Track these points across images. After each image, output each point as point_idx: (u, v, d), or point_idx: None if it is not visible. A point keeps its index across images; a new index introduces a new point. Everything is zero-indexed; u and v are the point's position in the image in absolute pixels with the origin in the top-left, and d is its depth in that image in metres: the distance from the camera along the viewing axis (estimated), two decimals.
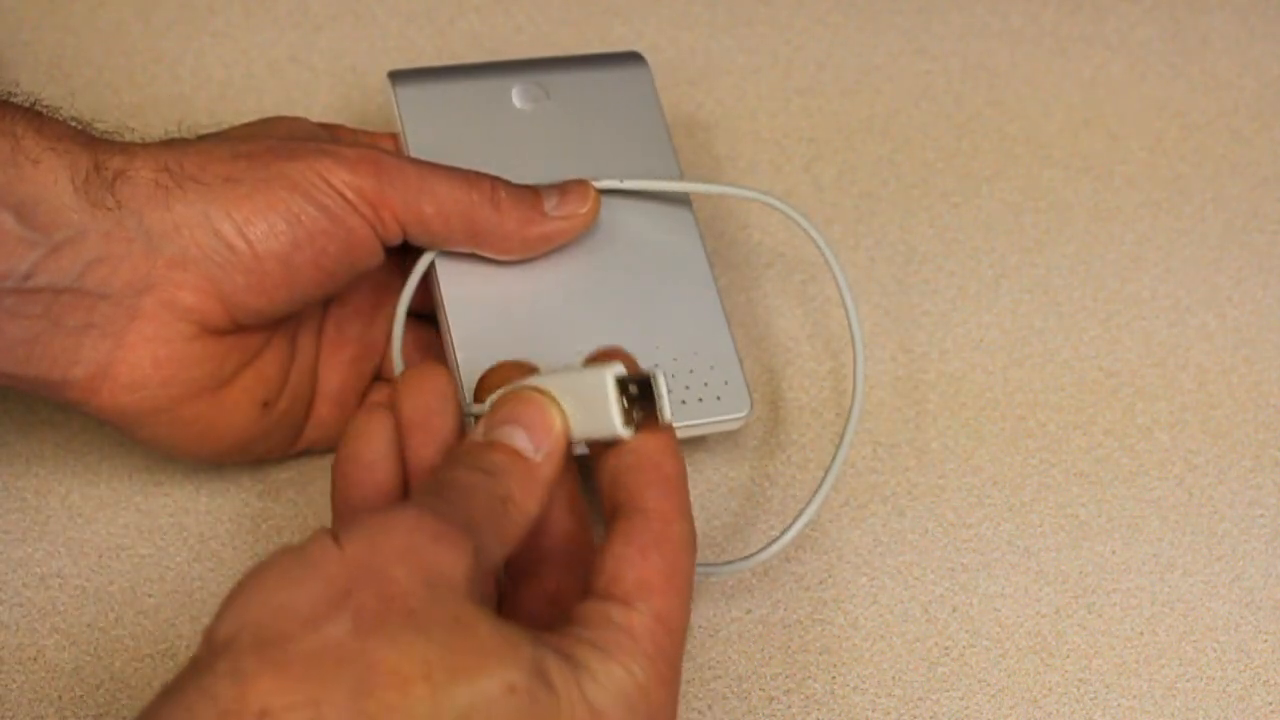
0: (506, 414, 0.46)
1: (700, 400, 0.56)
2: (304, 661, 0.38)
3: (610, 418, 0.45)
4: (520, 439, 0.45)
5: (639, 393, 0.45)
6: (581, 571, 0.47)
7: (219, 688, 0.38)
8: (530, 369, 0.49)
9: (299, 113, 0.66)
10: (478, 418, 0.48)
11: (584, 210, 0.56)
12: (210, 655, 0.39)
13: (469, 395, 0.52)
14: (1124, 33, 0.74)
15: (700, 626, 0.56)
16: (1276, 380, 0.64)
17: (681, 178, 0.60)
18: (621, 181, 0.58)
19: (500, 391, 0.48)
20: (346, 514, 0.47)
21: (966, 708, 0.55)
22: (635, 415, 0.46)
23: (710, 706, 0.54)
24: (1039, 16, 0.74)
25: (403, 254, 0.56)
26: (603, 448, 0.47)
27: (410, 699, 0.38)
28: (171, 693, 0.39)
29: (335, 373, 0.57)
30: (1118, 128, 0.71)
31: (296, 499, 0.58)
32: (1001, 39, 0.73)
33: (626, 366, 0.46)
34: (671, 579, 0.44)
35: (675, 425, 0.54)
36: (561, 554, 0.48)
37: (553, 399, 0.46)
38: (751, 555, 0.55)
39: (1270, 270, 0.67)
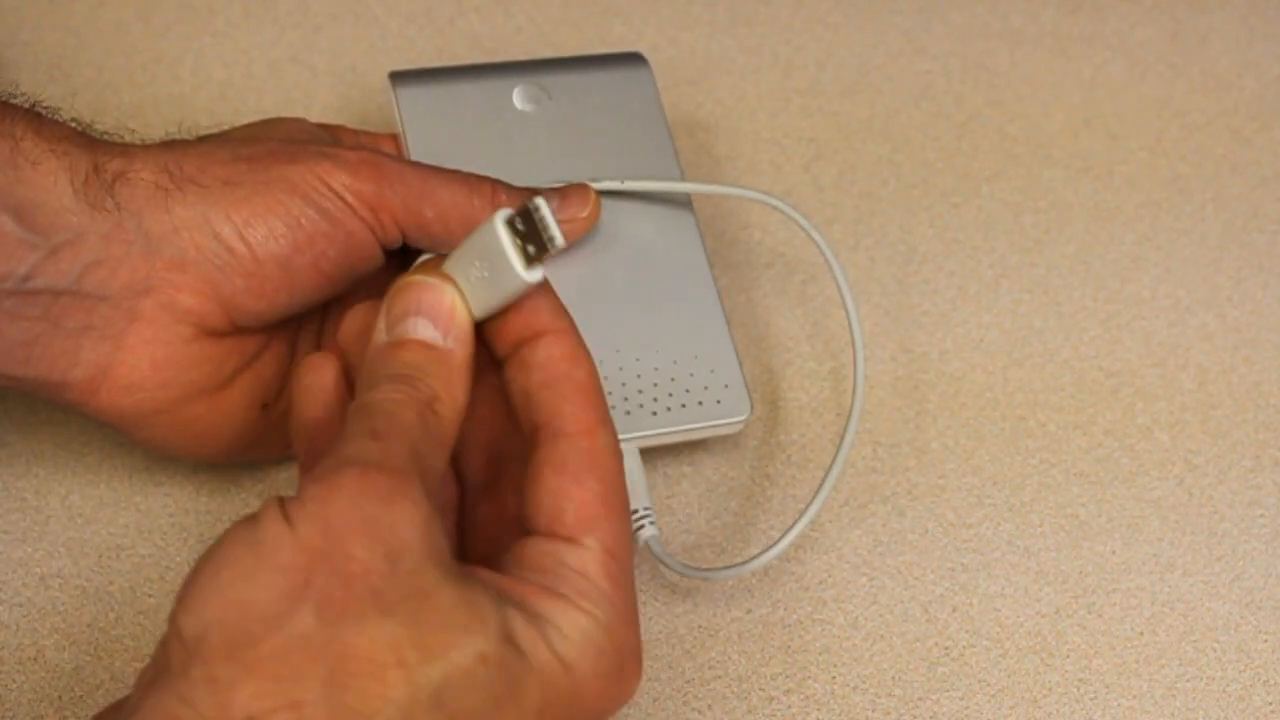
0: (403, 306, 0.45)
1: (700, 403, 0.56)
2: (276, 661, 0.38)
3: (511, 266, 0.43)
4: (425, 329, 0.44)
5: (527, 229, 0.43)
6: None
7: (197, 696, 0.38)
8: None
9: (299, 113, 0.67)
10: None
11: (584, 215, 0.56)
12: (182, 656, 0.39)
13: None
14: (1124, 33, 0.74)
15: (700, 627, 0.56)
16: (1276, 380, 0.64)
17: (683, 178, 0.60)
18: (622, 183, 0.58)
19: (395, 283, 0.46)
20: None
21: (966, 708, 0.55)
22: (533, 254, 0.44)
23: (710, 706, 0.55)
24: (1039, 16, 0.74)
25: (403, 255, 0.56)
26: (512, 361, 0.45)
27: (386, 685, 0.38)
28: (149, 697, 0.39)
29: None
30: (1118, 128, 0.71)
31: None
32: (1001, 39, 0.73)
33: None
34: (609, 502, 0.43)
35: (676, 429, 0.55)
36: (517, 470, 0.46)
37: (443, 277, 0.45)
38: (752, 559, 0.55)
39: (1270, 270, 0.67)
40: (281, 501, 0.40)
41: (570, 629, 0.42)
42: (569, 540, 0.43)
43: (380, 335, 0.45)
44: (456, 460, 0.48)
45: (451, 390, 0.44)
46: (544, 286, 0.45)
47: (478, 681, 0.39)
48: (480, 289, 0.44)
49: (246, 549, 0.39)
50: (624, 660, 0.43)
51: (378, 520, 0.40)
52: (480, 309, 0.45)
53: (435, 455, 0.43)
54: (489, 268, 0.44)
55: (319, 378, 0.46)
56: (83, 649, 0.54)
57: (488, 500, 0.48)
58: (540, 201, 0.43)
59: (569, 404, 0.44)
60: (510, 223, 0.44)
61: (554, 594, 0.42)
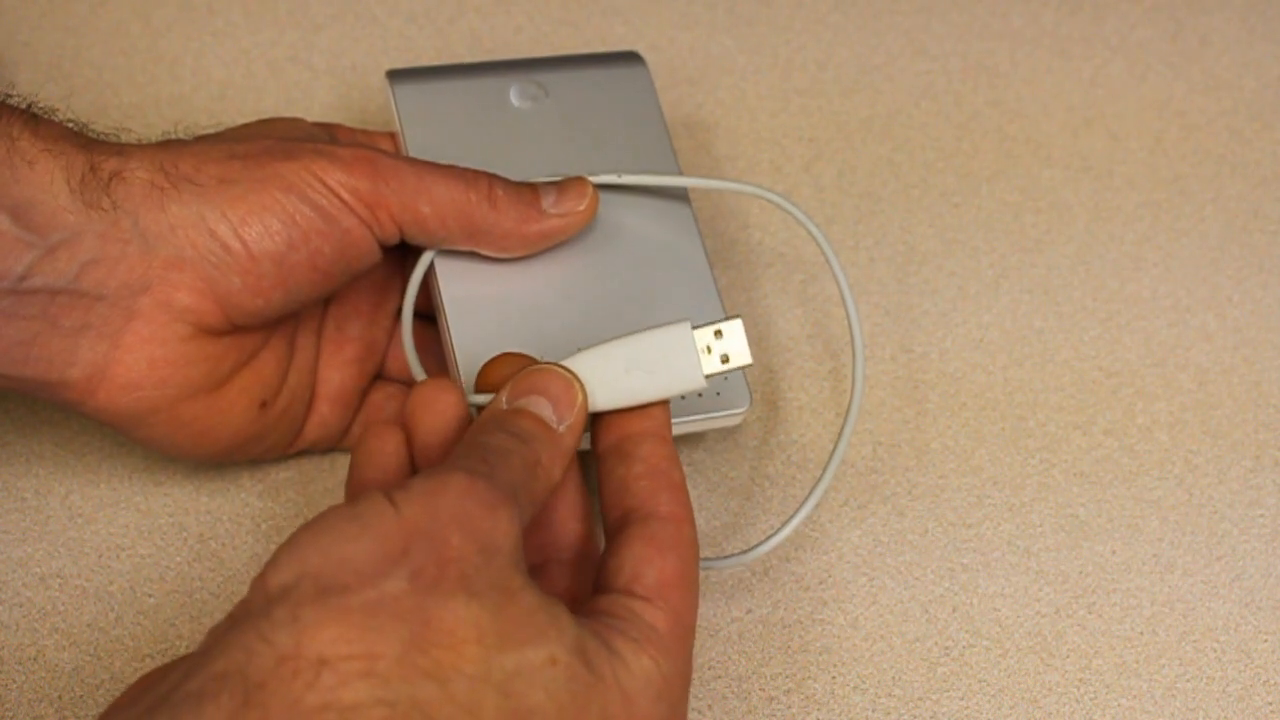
0: (531, 385, 0.48)
1: (700, 395, 0.56)
2: (362, 613, 0.39)
3: (700, 368, 0.49)
4: (545, 409, 0.47)
5: (718, 342, 0.50)
6: (589, 573, 0.49)
7: (278, 634, 0.39)
8: (530, 362, 0.50)
9: (298, 113, 0.67)
10: (480, 409, 0.49)
11: (582, 207, 0.56)
12: (266, 602, 0.40)
13: (470, 394, 0.52)
14: (1124, 33, 0.74)
15: (700, 626, 0.56)
16: (1276, 380, 0.64)
17: (679, 175, 0.60)
18: (619, 176, 0.58)
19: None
20: None
21: (966, 708, 0.55)
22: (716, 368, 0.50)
23: (710, 706, 0.54)
24: (1039, 16, 0.74)
25: (402, 252, 0.56)
26: (613, 453, 0.49)
27: (461, 658, 0.40)
28: (225, 635, 0.40)
29: (335, 372, 0.57)
30: (1118, 128, 0.71)
31: (296, 499, 0.58)
32: (1001, 39, 0.73)
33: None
34: (685, 578, 0.46)
35: (676, 421, 0.55)
36: (570, 555, 0.49)
37: (574, 375, 0.48)
38: (751, 549, 0.55)
39: (1270, 270, 0.67)
40: (386, 490, 0.42)
41: (636, 667, 0.43)
42: (645, 599, 0.45)
43: (500, 403, 0.47)
44: None
45: (553, 466, 0.46)
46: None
47: (546, 682, 0.41)
48: (630, 382, 0.49)
49: (348, 519, 0.41)
50: (674, 715, 0.44)
51: (477, 520, 0.42)
52: (610, 400, 0.49)
53: (525, 508, 0.45)
54: (659, 365, 0.49)
55: (382, 444, 0.48)
56: (83, 649, 0.54)
57: (539, 583, 0.49)
58: (740, 322, 0.50)
59: (665, 494, 0.48)
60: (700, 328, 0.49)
61: (626, 635, 0.44)
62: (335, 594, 0.40)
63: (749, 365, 0.50)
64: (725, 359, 0.50)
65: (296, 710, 0.38)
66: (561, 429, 0.47)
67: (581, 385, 0.48)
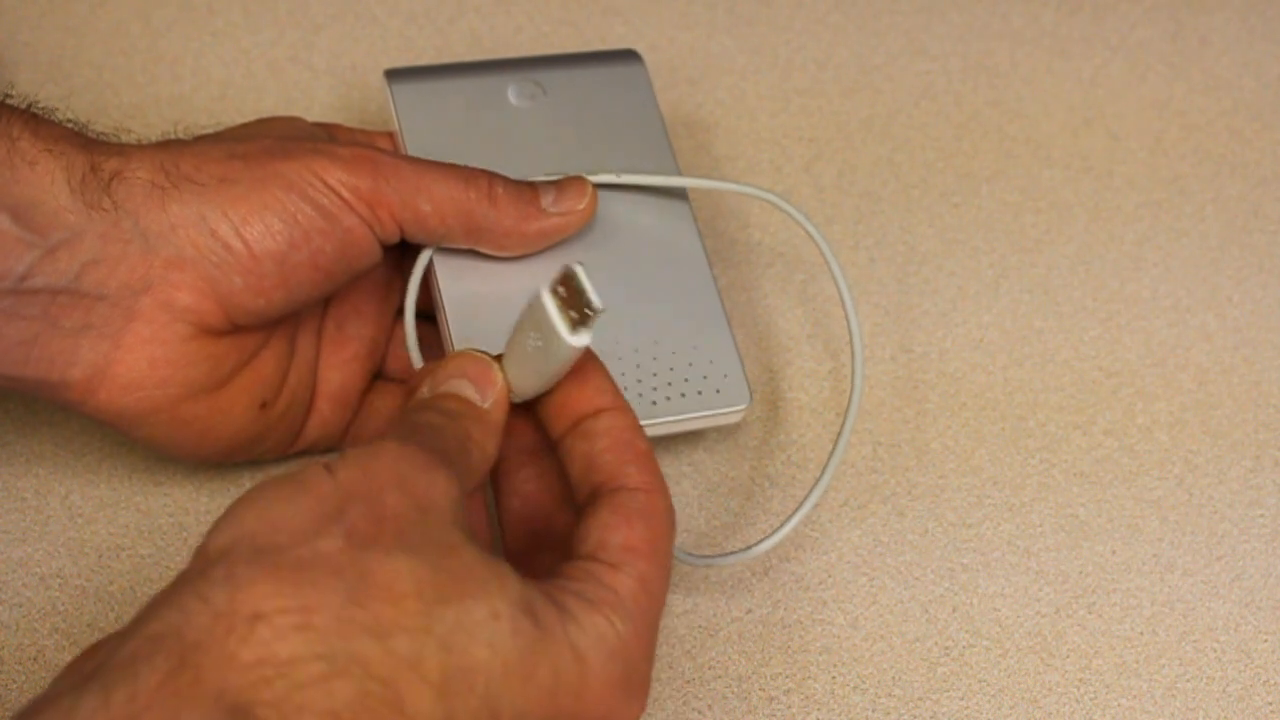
0: (450, 371, 0.47)
1: (700, 393, 0.56)
2: (297, 569, 0.39)
3: (557, 332, 0.45)
4: (467, 389, 0.47)
5: (569, 295, 0.45)
6: None
7: (213, 592, 0.39)
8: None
9: (298, 113, 0.67)
10: None
11: (581, 206, 0.56)
12: (204, 565, 0.40)
13: None
14: (1124, 33, 0.74)
15: (700, 626, 0.56)
16: (1276, 380, 0.64)
17: (678, 173, 0.60)
18: (618, 176, 0.58)
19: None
20: None
21: (966, 708, 0.55)
22: (577, 319, 0.45)
23: (710, 706, 0.55)
24: (1039, 16, 0.74)
25: (402, 251, 0.56)
26: (574, 432, 0.48)
27: (401, 613, 0.40)
28: (164, 598, 0.40)
29: (336, 372, 0.57)
30: (1118, 128, 0.71)
31: None
32: (1001, 39, 0.73)
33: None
34: (654, 545, 0.45)
35: (676, 418, 0.55)
36: (560, 543, 0.49)
37: (487, 355, 0.48)
38: (750, 547, 0.55)
39: (1270, 270, 0.67)
40: (324, 462, 0.42)
41: (588, 625, 0.43)
42: (608, 564, 0.45)
43: (424, 392, 0.47)
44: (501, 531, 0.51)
45: (485, 440, 0.46)
46: (602, 369, 0.48)
47: (489, 636, 0.40)
48: (536, 359, 0.47)
49: (286, 483, 0.41)
50: (632, 675, 0.44)
51: (414, 480, 0.42)
52: (537, 380, 0.47)
53: (463, 478, 0.44)
54: (541, 337, 0.46)
55: (387, 402, 0.50)
56: (82, 649, 0.54)
57: (527, 567, 0.49)
58: (578, 268, 0.45)
59: (632, 466, 0.47)
60: (554, 291, 0.45)
61: (580, 597, 0.43)
62: (270, 553, 0.40)
63: (602, 311, 0.45)
64: (582, 313, 0.45)
65: (231, 665, 0.38)
66: (487, 404, 0.47)
67: (499, 366, 0.48)
